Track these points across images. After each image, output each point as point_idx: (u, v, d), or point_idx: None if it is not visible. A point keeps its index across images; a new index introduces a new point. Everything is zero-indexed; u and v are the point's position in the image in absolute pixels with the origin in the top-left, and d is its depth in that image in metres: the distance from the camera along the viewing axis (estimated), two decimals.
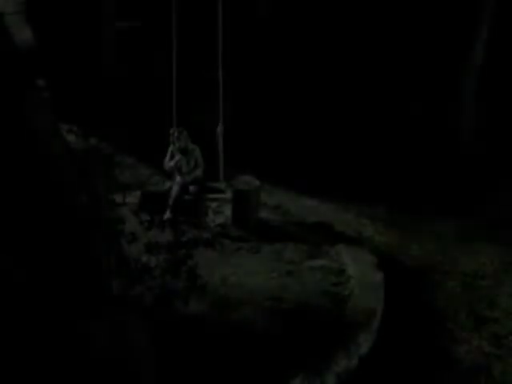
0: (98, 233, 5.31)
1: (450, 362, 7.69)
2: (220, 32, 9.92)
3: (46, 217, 5.10)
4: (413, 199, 11.38)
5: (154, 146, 11.01)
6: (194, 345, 7.15)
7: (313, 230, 10.04)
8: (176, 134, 10.21)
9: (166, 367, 6.19)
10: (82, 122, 10.05)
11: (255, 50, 15.07)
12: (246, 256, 9.26)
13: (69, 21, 13.54)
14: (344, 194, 11.42)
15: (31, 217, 5.08)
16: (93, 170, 5.44)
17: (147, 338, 5.68)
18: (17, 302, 5.12)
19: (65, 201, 5.18)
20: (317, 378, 6.90)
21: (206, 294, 6.93)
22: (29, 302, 5.12)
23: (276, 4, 15.84)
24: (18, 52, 5.16)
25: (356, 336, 7.54)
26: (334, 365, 7.11)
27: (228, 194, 10.06)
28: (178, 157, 10.23)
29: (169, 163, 10.31)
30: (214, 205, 10.14)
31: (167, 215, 9.74)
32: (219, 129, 10.16)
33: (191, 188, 10.10)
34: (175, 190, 10.00)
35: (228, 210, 9.95)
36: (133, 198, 9.92)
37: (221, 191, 10.21)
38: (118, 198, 5.70)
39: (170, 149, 10.32)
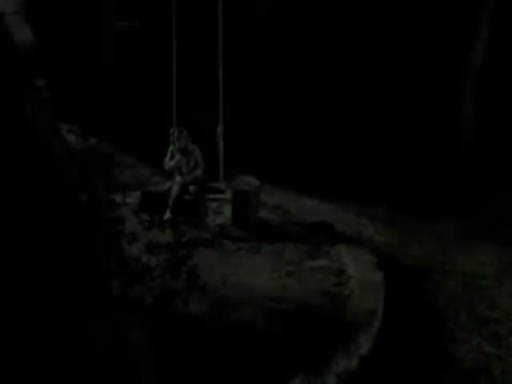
0: (98, 233, 5.30)
1: (450, 362, 7.69)
2: (220, 32, 9.92)
3: (46, 217, 5.10)
4: (413, 199, 11.38)
5: (153, 146, 11.00)
6: (194, 345, 7.15)
7: (313, 230, 10.04)
8: (176, 134, 10.21)
9: (166, 367, 6.19)
10: (82, 122, 10.07)
11: (255, 50, 15.07)
12: (246, 256, 9.26)
13: (69, 21, 13.53)
14: (344, 194, 11.41)
15: (31, 217, 5.08)
16: (93, 170, 5.44)
17: (147, 337, 5.68)
18: (17, 302, 5.12)
19: (65, 201, 5.18)
20: (317, 378, 6.90)
21: (206, 294, 6.94)
22: (29, 302, 5.12)
23: (276, 4, 15.84)
24: (18, 52, 5.16)
25: (356, 336, 7.54)
26: (334, 365, 7.11)
27: (228, 194, 10.05)
28: (178, 157, 10.23)
29: (169, 163, 10.31)
30: (214, 205, 10.13)
31: (167, 215, 9.74)
32: (219, 129, 10.15)
33: (191, 188, 10.10)
34: (175, 190, 10.00)
35: (228, 210, 9.94)
36: (133, 198, 9.91)
37: (221, 191, 10.21)
38: (118, 198, 5.70)
39: (170, 149, 10.32)
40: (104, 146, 6.29)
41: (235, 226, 9.82)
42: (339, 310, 8.03)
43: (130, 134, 12.94)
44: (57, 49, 13.79)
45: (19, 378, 5.12)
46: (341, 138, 12.95)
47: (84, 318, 5.15)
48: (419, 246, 10.23)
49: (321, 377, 6.95)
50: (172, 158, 10.30)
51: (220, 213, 10.03)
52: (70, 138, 5.51)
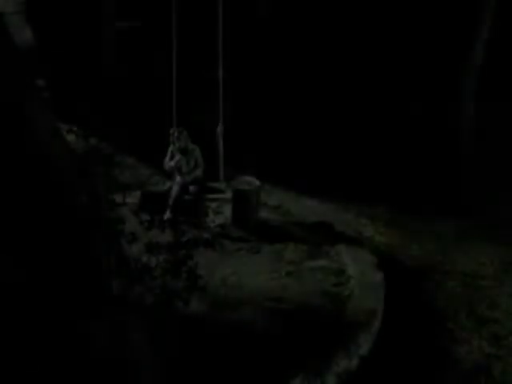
0: (98, 233, 5.31)
1: (451, 362, 7.69)
2: (220, 32, 9.92)
3: (46, 217, 5.10)
4: (413, 199, 11.37)
5: (153, 146, 11.00)
6: (194, 345, 7.15)
7: (313, 230, 10.04)
8: (176, 134, 10.21)
9: (166, 367, 6.19)
10: (82, 122, 10.08)
11: (255, 50, 15.06)
12: (246, 256, 9.26)
13: (69, 21, 13.53)
14: (344, 194, 11.41)
15: (31, 217, 5.08)
16: (93, 169, 5.43)
17: (147, 337, 5.68)
18: (17, 302, 5.12)
19: (65, 201, 5.18)
20: (317, 379, 6.90)
21: (206, 294, 6.93)
22: (29, 302, 5.12)
23: (276, 4, 15.83)
24: (18, 52, 5.16)
25: (356, 336, 7.54)
26: (335, 365, 7.11)
27: (228, 194, 10.05)
28: (178, 157, 10.23)
29: (169, 163, 10.31)
30: (214, 205, 10.14)
31: (167, 215, 9.74)
32: (219, 129, 10.15)
33: (191, 188, 10.10)
34: (175, 190, 10.00)
35: (228, 210, 9.95)
36: (133, 198, 9.91)
37: (221, 191, 10.21)
38: (118, 198, 5.69)
39: (170, 149, 10.32)
40: (104, 146, 6.27)
41: (235, 225, 9.82)
42: (339, 310, 8.03)
43: (130, 134, 12.94)
44: (57, 49, 13.79)
45: (19, 377, 5.12)
46: (341, 138, 12.94)
47: (84, 317, 5.16)
48: (419, 245, 10.23)
49: (321, 377, 6.95)
50: (172, 158, 10.30)
51: (220, 213, 10.03)
52: (70, 138, 5.51)
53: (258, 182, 10.07)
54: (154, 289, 5.47)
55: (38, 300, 5.12)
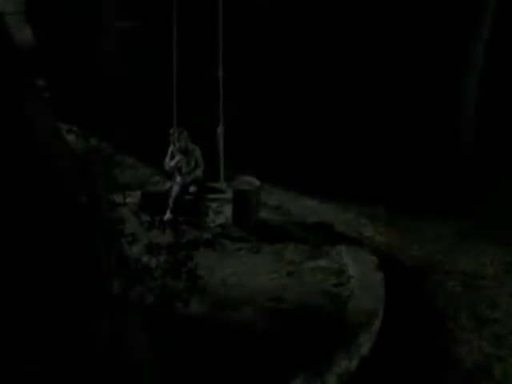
0: (98, 233, 5.30)
1: (451, 363, 7.68)
2: (220, 32, 9.92)
3: (46, 217, 5.10)
4: (413, 199, 11.37)
5: (154, 146, 10.99)
6: (194, 345, 7.15)
7: (313, 230, 10.03)
8: (176, 134, 10.21)
9: (166, 367, 6.19)
10: (82, 122, 10.07)
11: (255, 50, 15.05)
12: (247, 256, 9.26)
13: (69, 21, 13.52)
14: (344, 194, 11.40)
15: (31, 217, 5.07)
16: (93, 169, 5.43)
17: (147, 338, 5.68)
18: (17, 302, 5.12)
19: (65, 201, 5.18)
20: (317, 379, 6.90)
21: (206, 295, 6.93)
22: (29, 302, 5.12)
23: (276, 4, 15.82)
24: (18, 52, 5.15)
25: (356, 336, 7.53)
26: (335, 365, 7.10)
27: (228, 194, 10.05)
28: (178, 157, 10.22)
29: (169, 163, 10.30)
30: (214, 205, 10.13)
31: (167, 216, 9.74)
32: (219, 129, 10.15)
33: (191, 188, 10.10)
34: (175, 190, 10.00)
35: (228, 211, 9.94)
36: (133, 198, 9.90)
37: (221, 191, 10.21)
38: (118, 198, 5.69)
39: (170, 149, 10.32)
40: (104, 146, 6.27)
41: (235, 226, 9.81)
42: (339, 310, 8.03)
43: (130, 134, 12.93)
44: (57, 49, 13.78)
45: (20, 377, 5.12)
46: (341, 138, 12.93)
47: (84, 318, 5.15)
48: (419, 246, 10.23)
49: (321, 377, 6.95)
50: (172, 158, 10.29)
51: (220, 213, 10.02)
52: (70, 138, 5.50)
53: (257, 182, 10.07)
54: (154, 289, 5.47)
55: (38, 300, 5.12)
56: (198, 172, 10.23)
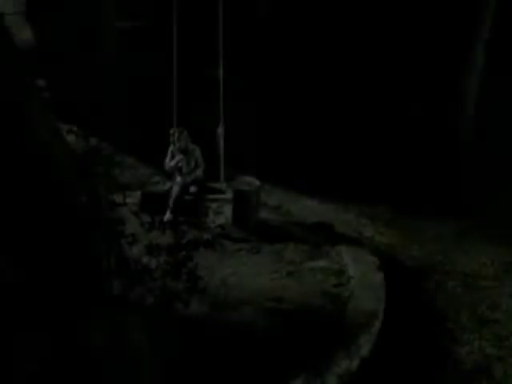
0: (98, 233, 5.30)
1: (451, 363, 7.68)
2: (220, 32, 9.91)
3: (46, 217, 5.09)
4: (413, 199, 11.36)
5: (154, 146, 10.99)
6: (194, 345, 7.14)
7: (313, 230, 10.02)
8: (176, 135, 10.19)
9: (166, 367, 6.18)
10: (82, 122, 10.06)
11: (255, 50, 15.05)
12: (247, 256, 9.25)
13: (68, 21, 13.51)
14: (344, 194, 11.40)
15: (31, 217, 5.07)
16: (93, 170, 5.43)
17: (147, 338, 5.68)
18: (16, 302, 5.11)
19: (65, 201, 5.17)
20: (317, 379, 6.89)
21: (206, 295, 6.92)
22: (29, 302, 5.11)
23: (276, 4, 15.82)
24: (18, 52, 5.15)
25: (357, 337, 7.53)
26: (335, 366, 7.10)
27: (228, 195, 10.04)
28: (178, 157, 10.21)
29: (169, 163, 10.29)
30: (214, 205, 10.12)
31: (167, 216, 9.73)
32: (219, 129, 10.14)
33: (191, 188, 10.09)
34: (175, 190, 9.99)
35: (228, 211, 9.93)
36: (133, 198, 9.89)
37: (221, 192, 10.20)
38: (118, 198, 5.68)
39: (171, 149, 10.31)
40: (104, 146, 6.26)
41: (235, 226, 9.80)
42: (340, 311, 8.02)
43: (130, 134, 12.92)
44: (57, 49, 13.77)
45: (20, 377, 5.12)
46: (341, 138, 12.93)
47: (84, 317, 5.15)
48: (419, 246, 10.23)
49: (321, 377, 6.94)
50: (172, 158, 10.28)
51: (220, 213, 10.01)
52: (70, 138, 5.50)
53: (257, 182, 10.06)
54: (154, 290, 5.47)
55: (38, 300, 5.11)
56: (198, 172, 10.22)
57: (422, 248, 10.16)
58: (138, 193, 10.21)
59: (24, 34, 13.60)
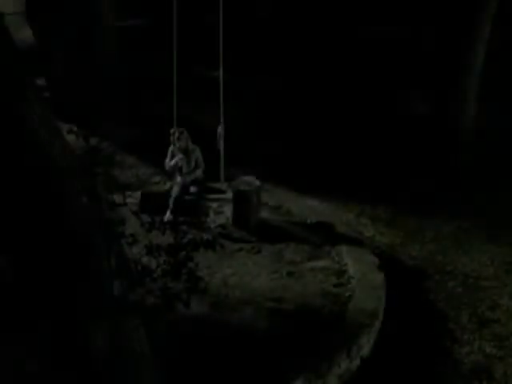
0: (99, 233, 5.29)
1: (451, 363, 7.68)
2: (220, 32, 9.90)
3: (46, 217, 5.09)
4: (413, 199, 11.36)
5: (154, 146, 10.98)
6: (194, 346, 7.14)
7: (314, 230, 10.01)
8: (176, 134, 10.19)
9: (166, 367, 6.18)
10: (82, 122, 10.06)
11: (255, 50, 15.06)
12: (247, 256, 9.25)
13: (69, 21, 13.52)
14: (345, 194, 11.39)
15: (31, 217, 5.06)
16: (93, 169, 5.42)
17: (147, 338, 5.67)
18: (16, 302, 5.11)
19: (65, 201, 5.17)
20: (318, 380, 6.89)
21: (206, 295, 6.92)
22: (29, 302, 5.11)
23: (276, 4, 15.83)
24: (18, 52, 5.14)
25: (357, 337, 7.53)
26: (336, 366, 7.10)
27: (228, 195, 10.03)
28: (178, 157, 10.21)
29: (169, 163, 10.29)
30: (214, 205, 10.11)
31: (167, 216, 9.72)
32: (219, 129, 10.14)
33: (192, 188, 10.08)
34: (175, 190, 9.98)
35: (229, 211, 9.92)
36: (133, 198, 9.89)
37: (221, 192, 10.19)
38: (118, 198, 5.68)
39: (171, 149, 10.30)
40: (104, 146, 6.26)
41: (236, 226, 9.79)
42: (340, 311, 8.02)
43: (130, 134, 12.92)
44: (57, 49, 13.77)
45: (20, 377, 5.12)
46: (341, 138, 12.93)
47: (84, 317, 5.15)
48: (420, 246, 10.22)
49: (322, 378, 6.94)
50: (172, 158, 10.28)
51: (221, 213, 10.00)
52: (70, 138, 5.49)
53: (258, 182, 10.05)
54: (155, 290, 5.46)
55: (38, 300, 5.11)
56: (199, 172, 10.21)
57: (422, 248, 10.16)
58: (138, 193, 10.21)
59: (24, 34, 13.61)
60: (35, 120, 5.04)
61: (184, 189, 10.03)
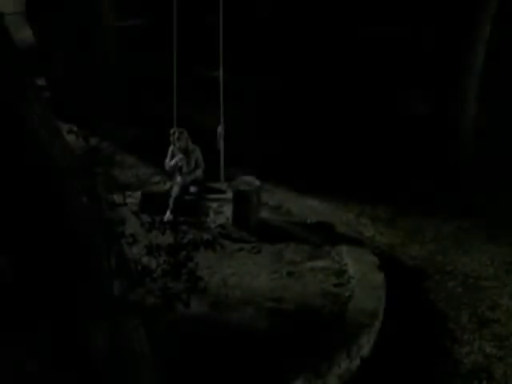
0: (98, 233, 5.29)
1: (451, 363, 7.68)
2: (220, 32, 9.90)
3: (46, 217, 5.09)
4: (413, 199, 11.36)
5: (154, 146, 10.98)
6: (194, 345, 7.14)
7: (314, 230, 10.01)
8: (176, 135, 10.19)
9: (166, 367, 6.18)
10: (82, 122, 10.06)
11: (255, 50, 15.06)
12: (247, 256, 9.25)
13: (69, 21, 13.52)
14: (345, 193, 11.39)
15: (31, 217, 5.06)
16: (93, 169, 5.42)
17: (147, 338, 5.67)
18: (16, 302, 5.11)
19: (65, 201, 5.17)
20: (318, 380, 6.89)
21: (206, 295, 6.92)
22: (29, 302, 5.11)
23: (276, 4, 15.83)
24: (18, 52, 5.15)
25: (357, 337, 7.53)
26: (336, 366, 7.10)
27: (229, 195, 10.04)
28: (178, 157, 10.21)
29: (169, 163, 10.29)
30: (214, 205, 10.12)
31: (167, 217, 9.72)
32: (219, 129, 10.14)
33: (192, 188, 10.08)
34: (175, 190, 9.98)
35: (229, 211, 9.92)
36: (133, 198, 9.89)
37: (221, 192, 10.19)
38: (118, 198, 5.68)
39: (171, 149, 10.30)
40: (104, 146, 6.27)
41: (236, 226, 9.79)
42: (340, 311, 8.02)
43: (130, 134, 12.93)
44: (57, 49, 13.77)
45: (20, 377, 5.12)
46: (342, 138, 12.93)
47: (84, 317, 5.15)
48: (420, 246, 10.22)
49: (322, 378, 6.94)
50: (172, 158, 10.28)
51: (220, 213, 10.00)
52: (70, 138, 5.49)
53: (258, 182, 10.05)
54: (155, 290, 5.46)
55: (38, 300, 5.11)
56: (199, 172, 10.21)
57: (422, 248, 10.16)
58: (138, 193, 10.21)
59: (24, 34, 13.61)
60: (35, 120, 5.04)
61: (184, 189, 10.03)
